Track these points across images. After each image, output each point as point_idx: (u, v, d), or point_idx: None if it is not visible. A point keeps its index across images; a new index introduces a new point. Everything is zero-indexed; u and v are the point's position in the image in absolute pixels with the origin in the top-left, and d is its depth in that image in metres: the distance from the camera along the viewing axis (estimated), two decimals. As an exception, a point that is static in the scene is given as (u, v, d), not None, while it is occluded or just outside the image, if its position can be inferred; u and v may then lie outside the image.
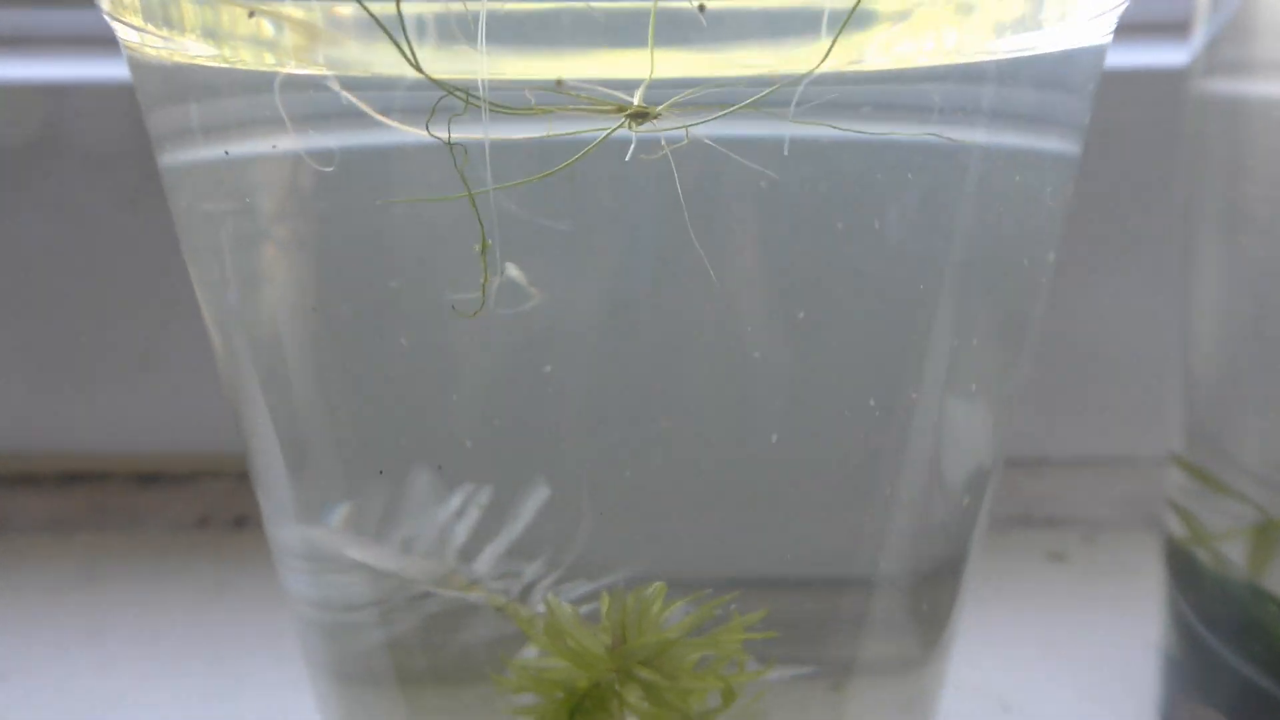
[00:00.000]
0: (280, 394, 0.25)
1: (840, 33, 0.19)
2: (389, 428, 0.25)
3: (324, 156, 0.22)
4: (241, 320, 0.25)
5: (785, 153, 0.21)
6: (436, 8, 0.20)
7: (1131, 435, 0.46)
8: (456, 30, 0.19)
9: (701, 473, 0.24)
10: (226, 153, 0.23)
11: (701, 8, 0.19)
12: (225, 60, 0.21)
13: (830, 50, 0.20)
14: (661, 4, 0.20)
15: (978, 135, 0.23)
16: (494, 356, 0.23)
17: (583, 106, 0.20)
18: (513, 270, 0.22)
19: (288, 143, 0.22)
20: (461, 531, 0.25)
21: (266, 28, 0.21)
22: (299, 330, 0.25)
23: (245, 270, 0.25)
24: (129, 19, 0.23)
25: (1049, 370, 0.44)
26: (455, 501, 0.25)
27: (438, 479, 0.24)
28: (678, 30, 0.20)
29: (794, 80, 0.20)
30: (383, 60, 0.20)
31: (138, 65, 0.24)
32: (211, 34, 0.21)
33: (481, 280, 0.22)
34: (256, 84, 0.22)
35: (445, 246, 0.23)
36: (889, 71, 0.21)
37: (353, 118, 0.21)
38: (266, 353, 0.25)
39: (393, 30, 0.19)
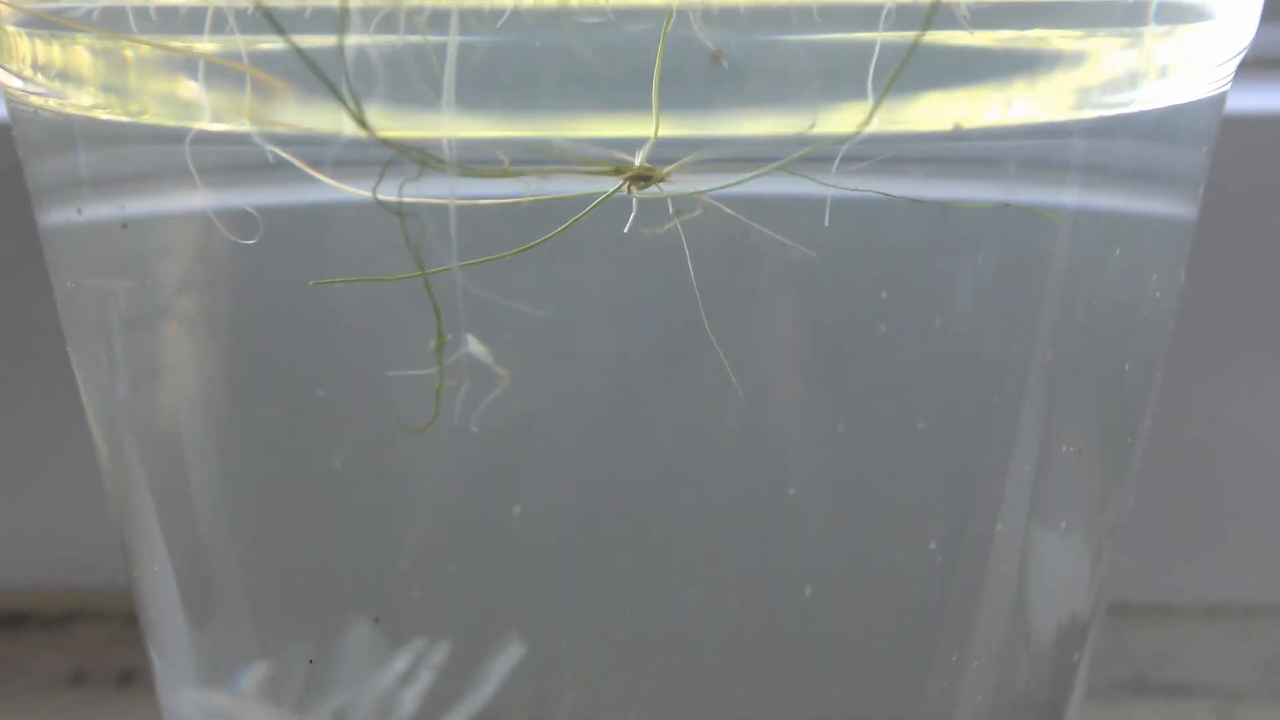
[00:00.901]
0: (180, 520, 0.26)
1: (883, 98, 0.20)
2: (318, 568, 0.25)
3: (245, 223, 0.23)
4: (133, 424, 0.26)
5: (826, 223, 0.22)
6: (391, 41, 0.20)
7: (1276, 578, 0.45)
8: (418, 79, 0.20)
9: (715, 631, 0.25)
10: (124, 225, 0.23)
11: (716, 57, 0.20)
12: (130, 115, 0.22)
13: (871, 116, 0.20)
14: (670, 42, 0.20)
15: (1066, 201, 0.24)
16: (452, 480, 0.24)
17: (571, 167, 0.21)
18: (474, 345, 0.22)
19: (199, 203, 0.23)
20: (410, 701, 0.25)
21: (188, 86, 0.21)
22: (206, 438, 0.25)
23: (141, 360, 0.25)
24: (13, 66, 0.23)
25: (1168, 493, 0.45)
26: (401, 663, 0.25)
27: (379, 633, 0.25)
28: (693, 90, 0.21)
29: (836, 140, 0.21)
30: (320, 117, 0.21)
31: (18, 112, 0.25)
32: (116, 91, 0.22)
33: (436, 384, 0.22)
34: (164, 136, 0.22)
35: (394, 338, 0.23)
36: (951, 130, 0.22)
37: (282, 173, 0.22)
38: (164, 466, 0.26)
39: (336, 83, 0.20)
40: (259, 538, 0.25)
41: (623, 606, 0.24)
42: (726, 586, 0.24)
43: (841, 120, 0.21)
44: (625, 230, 0.21)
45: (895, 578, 0.25)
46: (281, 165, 0.22)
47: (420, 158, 0.20)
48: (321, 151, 0.21)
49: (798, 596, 0.24)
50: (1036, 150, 0.23)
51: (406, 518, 0.24)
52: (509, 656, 0.24)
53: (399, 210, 0.21)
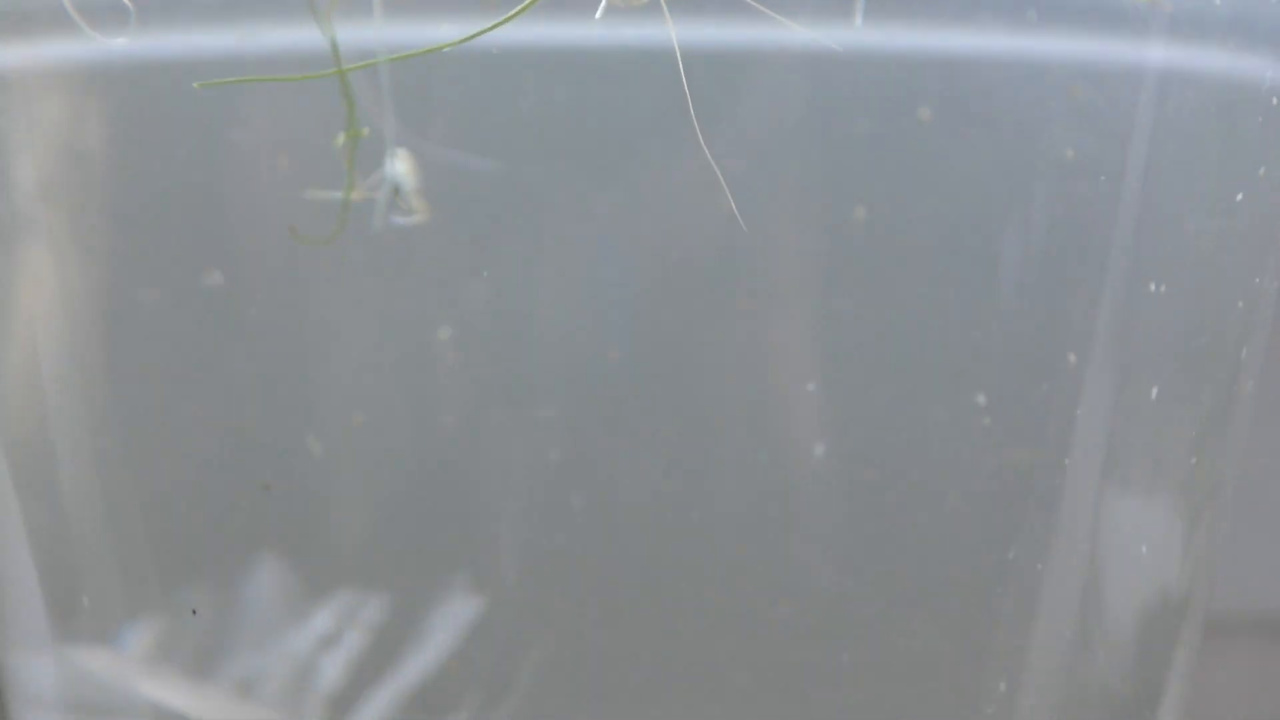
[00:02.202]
0: (26, 411, 0.26)
1: None
2: (208, 480, 0.25)
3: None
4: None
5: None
6: None
7: None
8: None
9: (700, 627, 0.24)
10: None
11: None
12: None
13: None
14: None
15: (1151, 52, 0.24)
16: (369, 338, 0.24)
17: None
18: (401, 166, 0.22)
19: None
20: (333, 667, 0.25)
21: None
22: (65, 334, 0.25)
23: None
24: None
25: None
26: (323, 619, 0.25)
27: (296, 581, 0.24)
28: None
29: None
30: None
31: None
32: None
33: (344, 188, 0.22)
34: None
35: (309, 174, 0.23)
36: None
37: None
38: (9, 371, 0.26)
39: None
40: (135, 440, 0.25)
41: (593, 535, 0.24)
42: (716, 569, 0.24)
43: None
44: (597, 16, 0.21)
45: (921, 530, 0.24)
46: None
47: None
48: None
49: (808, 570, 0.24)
50: None
51: (324, 415, 0.24)
52: (458, 614, 0.24)
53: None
